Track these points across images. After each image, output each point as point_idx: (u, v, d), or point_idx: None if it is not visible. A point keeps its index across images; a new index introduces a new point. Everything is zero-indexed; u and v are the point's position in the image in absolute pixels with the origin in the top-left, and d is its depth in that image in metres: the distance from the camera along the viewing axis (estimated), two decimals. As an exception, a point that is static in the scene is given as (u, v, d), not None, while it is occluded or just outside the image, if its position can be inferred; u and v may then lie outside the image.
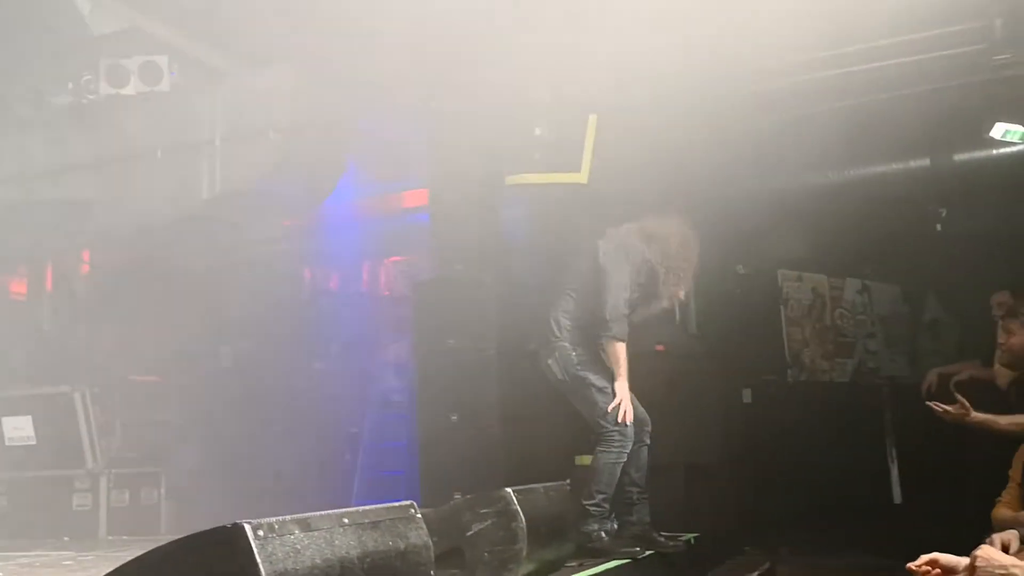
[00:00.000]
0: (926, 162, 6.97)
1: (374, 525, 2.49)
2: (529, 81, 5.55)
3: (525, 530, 3.43)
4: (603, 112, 5.72)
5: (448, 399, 5.45)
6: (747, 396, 6.96)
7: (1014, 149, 6.45)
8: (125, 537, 6.55)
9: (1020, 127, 6.32)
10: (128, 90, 6.50)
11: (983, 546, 2.94)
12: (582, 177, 5.56)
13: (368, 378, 8.13)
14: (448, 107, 5.65)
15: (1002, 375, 5.41)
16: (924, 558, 2.95)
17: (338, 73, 5.98)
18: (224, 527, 2.14)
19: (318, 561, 2.23)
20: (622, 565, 4.44)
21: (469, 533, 3.45)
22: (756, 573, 5.79)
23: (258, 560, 2.07)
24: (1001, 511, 4.30)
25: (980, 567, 2.75)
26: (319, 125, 6.29)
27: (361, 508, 2.52)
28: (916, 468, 7.20)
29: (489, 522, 3.45)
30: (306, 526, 2.28)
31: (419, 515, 2.70)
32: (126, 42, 6.41)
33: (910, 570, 2.98)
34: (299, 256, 8.35)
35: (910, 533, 4.70)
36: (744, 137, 6.29)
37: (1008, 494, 4.36)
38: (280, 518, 2.22)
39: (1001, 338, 5.14)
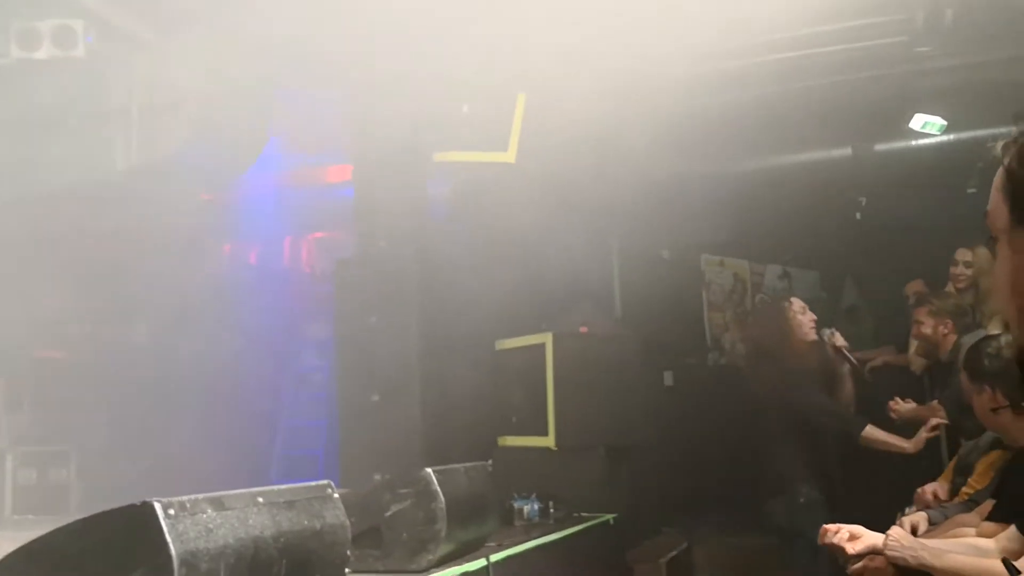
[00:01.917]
0: (848, 151, 7.11)
1: (290, 504, 2.43)
2: (458, 57, 5.48)
3: (445, 511, 3.39)
4: (532, 92, 5.69)
5: (369, 378, 5.37)
6: (668, 379, 7.03)
7: (932, 140, 6.62)
8: (31, 516, 6.34)
9: (939, 119, 6.48)
10: (40, 54, 6.21)
11: (895, 528, 3.02)
12: (509, 157, 5.53)
13: (287, 356, 7.99)
14: (375, 80, 5.55)
15: (916, 362, 5.57)
16: (838, 527, 3.02)
17: (261, 42, 5.81)
18: (133, 505, 2.07)
19: (231, 540, 2.16)
20: (542, 545, 4.44)
21: (388, 513, 3.40)
22: (674, 552, 5.87)
23: (168, 539, 2.00)
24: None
25: (891, 545, 2.82)
26: (240, 95, 6.12)
27: (277, 487, 2.46)
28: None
29: (408, 503, 3.41)
30: (219, 505, 2.21)
31: (336, 495, 2.65)
32: (39, 4, 6.13)
33: (825, 531, 3.06)
34: (218, 230, 8.14)
35: (825, 513, 4.80)
36: (671, 122, 6.31)
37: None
38: (192, 496, 2.15)
39: (914, 329, 5.29)
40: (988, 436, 4.08)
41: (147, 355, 7.29)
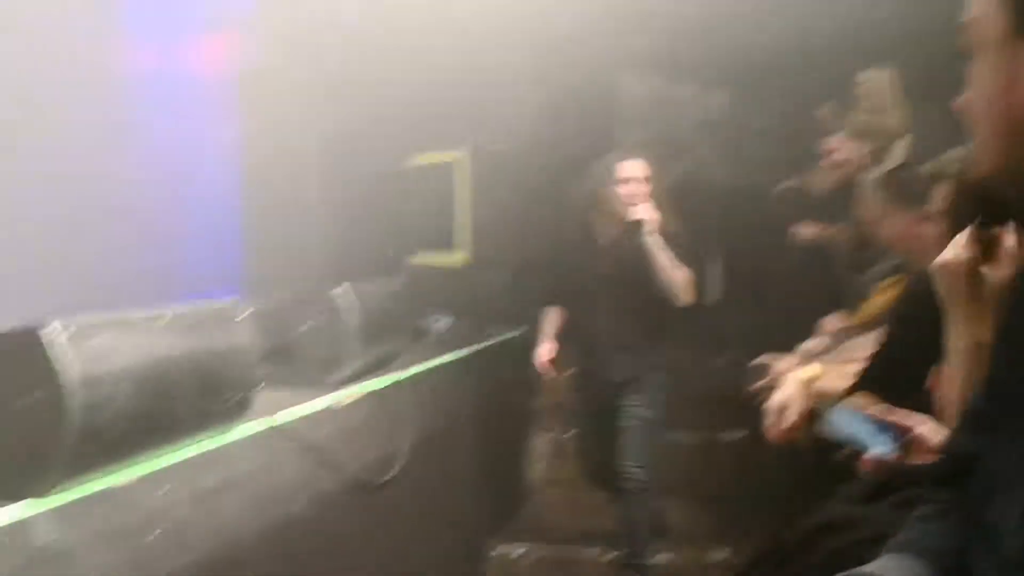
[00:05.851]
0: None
1: (194, 325, 2.34)
2: None
3: (359, 328, 3.36)
4: None
5: (274, 194, 5.19)
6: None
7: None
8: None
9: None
10: None
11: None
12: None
13: (191, 168, 7.60)
14: None
15: (818, 184, 5.60)
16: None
17: None
18: (25, 326, 1.92)
19: (131, 363, 2.06)
20: (452, 361, 4.49)
21: (301, 330, 3.35)
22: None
23: (64, 363, 1.88)
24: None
25: None
26: None
27: (180, 307, 2.36)
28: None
29: (322, 319, 3.36)
30: (118, 325, 2.10)
31: (245, 314, 2.57)
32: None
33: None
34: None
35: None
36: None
37: None
38: (87, 316, 2.03)
39: (829, 154, 5.30)
40: (881, 267, 4.15)
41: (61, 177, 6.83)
